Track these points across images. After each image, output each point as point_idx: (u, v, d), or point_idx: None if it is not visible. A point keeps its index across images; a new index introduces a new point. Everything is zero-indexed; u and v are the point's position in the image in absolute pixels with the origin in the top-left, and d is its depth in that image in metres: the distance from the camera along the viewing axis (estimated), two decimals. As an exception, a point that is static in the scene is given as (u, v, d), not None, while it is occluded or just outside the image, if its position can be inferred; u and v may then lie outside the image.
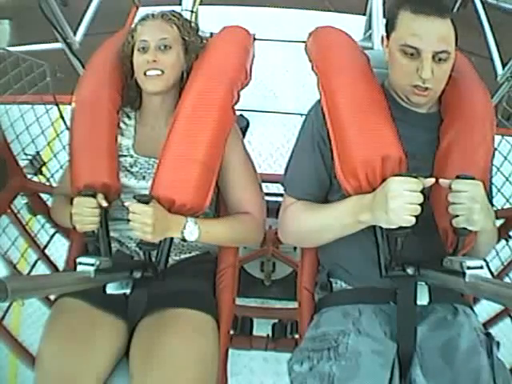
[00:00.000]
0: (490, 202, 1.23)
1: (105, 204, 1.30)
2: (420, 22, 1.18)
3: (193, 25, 1.50)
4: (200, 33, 1.52)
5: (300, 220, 1.32)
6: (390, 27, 1.27)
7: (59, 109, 2.14)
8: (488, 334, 1.24)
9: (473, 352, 1.18)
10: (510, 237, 1.83)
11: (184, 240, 1.29)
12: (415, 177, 1.12)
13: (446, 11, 1.19)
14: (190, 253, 1.45)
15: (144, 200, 1.23)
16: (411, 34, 1.19)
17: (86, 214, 1.28)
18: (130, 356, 1.29)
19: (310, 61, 1.46)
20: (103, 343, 1.27)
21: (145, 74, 1.38)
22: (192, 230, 1.28)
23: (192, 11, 2.31)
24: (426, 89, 1.23)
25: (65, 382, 1.18)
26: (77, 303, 1.31)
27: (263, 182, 1.50)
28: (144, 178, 1.40)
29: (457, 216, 1.15)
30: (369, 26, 2.85)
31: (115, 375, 1.29)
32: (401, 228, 1.12)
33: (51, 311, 1.36)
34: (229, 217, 1.43)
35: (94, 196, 1.29)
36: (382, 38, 1.32)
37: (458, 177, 1.15)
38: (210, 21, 2.61)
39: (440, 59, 1.19)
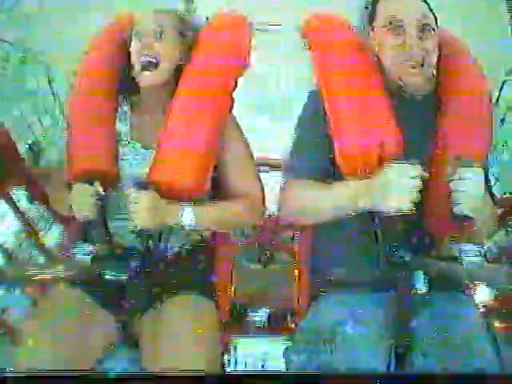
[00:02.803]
0: (490, 187, 1.23)
1: (101, 191, 1.28)
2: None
3: (188, 20, 1.49)
4: (196, 18, 1.51)
5: (300, 197, 1.32)
6: (372, 18, 1.32)
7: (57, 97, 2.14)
8: (488, 320, 1.25)
9: (474, 336, 1.19)
10: (509, 226, 1.83)
11: (182, 228, 1.28)
12: (414, 163, 1.12)
13: None
14: (187, 243, 1.42)
15: (142, 186, 1.23)
16: (394, 10, 1.26)
17: (82, 200, 1.27)
18: (142, 346, 1.29)
19: (309, 48, 1.44)
20: (90, 335, 1.25)
21: (140, 63, 1.35)
22: (189, 217, 1.27)
23: (190, -1, 2.30)
24: (421, 65, 1.23)
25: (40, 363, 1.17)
26: (71, 292, 1.30)
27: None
28: (138, 164, 1.39)
29: (458, 203, 1.14)
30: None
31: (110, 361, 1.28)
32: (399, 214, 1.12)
33: (45, 297, 1.35)
34: (224, 201, 1.42)
35: (91, 183, 1.29)
36: (368, 33, 1.33)
37: (457, 157, 1.15)
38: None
39: (425, 29, 1.24)
